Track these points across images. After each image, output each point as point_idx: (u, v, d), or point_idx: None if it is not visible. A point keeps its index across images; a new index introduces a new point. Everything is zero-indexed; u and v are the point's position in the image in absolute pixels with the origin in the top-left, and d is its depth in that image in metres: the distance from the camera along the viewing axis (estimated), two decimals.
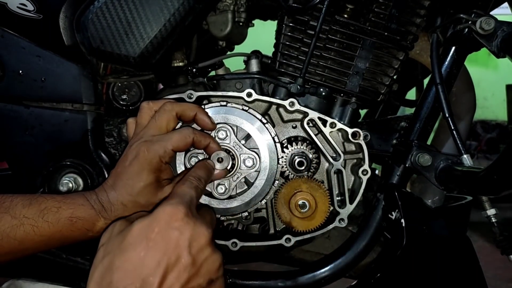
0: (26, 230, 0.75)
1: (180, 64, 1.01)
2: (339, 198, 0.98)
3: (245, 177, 0.94)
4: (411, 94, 1.44)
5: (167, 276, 0.63)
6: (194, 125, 0.90)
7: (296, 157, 0.96)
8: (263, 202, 0.95)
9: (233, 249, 0.94)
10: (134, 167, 0.79)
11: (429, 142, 1.03)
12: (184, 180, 0.78)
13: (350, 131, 0.96)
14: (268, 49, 1.04)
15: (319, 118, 0.96)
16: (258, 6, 1.13)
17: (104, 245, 0.68)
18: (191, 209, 0.69)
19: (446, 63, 0.97)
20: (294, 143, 0.97)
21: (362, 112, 1.13)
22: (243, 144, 0.93)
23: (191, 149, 0.91)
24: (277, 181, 0.94)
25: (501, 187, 0.77)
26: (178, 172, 0.91)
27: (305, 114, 0.96)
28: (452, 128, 0.91)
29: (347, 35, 0.96)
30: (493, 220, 1.01)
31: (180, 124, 0.89)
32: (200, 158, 0.91)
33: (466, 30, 0.90)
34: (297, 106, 0.95)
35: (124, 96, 1.04)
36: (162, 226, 0.66)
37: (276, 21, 1.01)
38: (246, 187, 0.95)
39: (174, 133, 0.82)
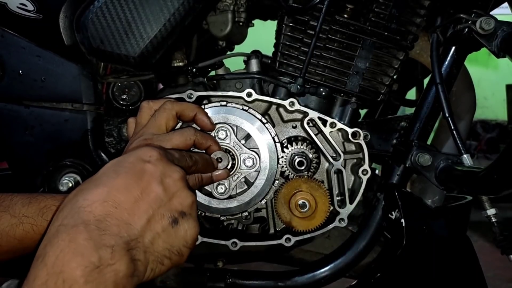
0: (25, 228, 0.75)
1: (180, 64, 1.01)
2: (339, 198, 0.98)
3: (245, 177, 0.94)
4: (411, 94, 1.44)
5: (138, 201, 0.64)
6: (194, 125, 0.90)
7: (296, 157, 0.96)
8: (263, 202, 0.95)
9: (233, 249, 0.94)
10: None
11: (429, 142, 1.03)
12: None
13: (350, 131, 0.96)
14: (268, 49, 1.04)
15: (319, 118, 0.96)
16: (258, 6, 1.13)
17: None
18: (166, 154, 0.71)
19: (446, 63, 0.97)
20: (294, 143, 0.97)
21: (362, 112, 1.13)
22: (243, 144, 0.93)
23: (192, 148, 0.91)
24: (277, 181, 0.94)
25: (501, 187, 0.77)
26: None
27: (305, 114, 0.96)
28: (452, 128, 0.91)
29: (347, 35, 0.95)
30: (493, 220, 1.01)
31: (180, 123, 0.89)
32: None
33: (466, 30, 0.90)
34: (297, 106, 0.95)
35: (124, 96, 1.04)
36: (136, 157, 0.67)
37: (276, 21, 1.01)
38: (246, 187, 0.95)
39: (174, 133, 0.82)
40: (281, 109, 0.99)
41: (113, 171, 0.66)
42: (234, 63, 1.10)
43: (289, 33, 0.96)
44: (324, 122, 0.96)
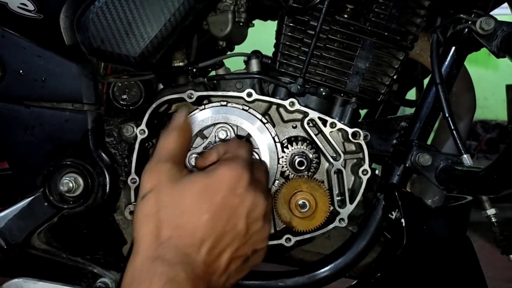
0: None
1: (180, 64, 1.01)
2: (339, 198, 0.98)
3: None
4: (411, 94, 1.44)
5: (219, 242, 0.64)
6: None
7: (296, 157, 0.96)
8: None
9: None
10: None
11: (429, 142, 1.03)
12: (234, 142, 0.76)
13: (350, 131, 0.96)
14: (268, 49, 1.04)
15: (319, 118, 0.96)
16: (258, 6, 1.13)
17: (155, 192, 0.67)
18: (253, 175, 0.69)
19: (446, 63, 0.97)
20: (294, 143, 0.97)
21: (362, 112, 1.13)
22: None
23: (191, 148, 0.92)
24: (277, 181, 0.95)
25: (501, 186, 0.78)
26: None
27: (305, 114, 0.96)
28: (452, 128, 0.91)
29: (347, 35, 0.96)
30: (493, 220, 1.01)
31: None
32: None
33: (466, 30, 0.90)
34: (297, 106, 0.95)
35: (125, 96, 1.04)
36: (226, 191, 0.65)
37: (276, 21, 1.01)
38: None
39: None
40: (281, 109, 0.99)
41: (205, 210, 0.65)
42: (234, 63, 1.10)
43: (289, 33, 0.96)
44: (324, 122, 0.96)
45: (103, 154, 1.00)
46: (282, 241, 0.94)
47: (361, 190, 0.96)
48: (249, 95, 0.94)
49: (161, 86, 1.11)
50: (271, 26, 1.11)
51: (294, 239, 0.94)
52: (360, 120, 1.07)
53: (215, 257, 0.64)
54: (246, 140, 0.89)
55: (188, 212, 0.64)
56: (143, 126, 0.94)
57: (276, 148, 0.94)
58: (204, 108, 0.94)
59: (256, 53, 1.05)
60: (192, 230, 0.63)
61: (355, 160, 1.00)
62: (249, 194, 0.67)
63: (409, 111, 1.11)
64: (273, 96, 0.99)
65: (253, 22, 1.17)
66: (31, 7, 0.94)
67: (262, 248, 0.71)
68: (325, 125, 0.96)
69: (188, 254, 0.62)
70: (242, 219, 0.66)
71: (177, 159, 0.72)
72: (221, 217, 0.65)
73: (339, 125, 0.96)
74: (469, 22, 0.88)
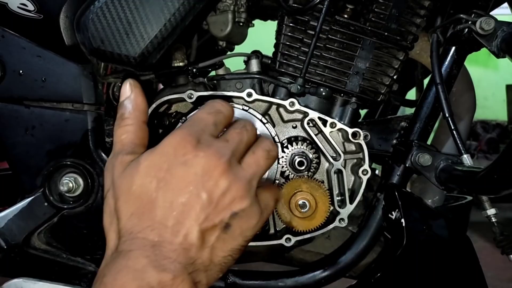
0: None
1: (180, 64, 1.01)
2: (339, 198, 0.98)
3: None
4: (411, 94, 1.44)
5: (183, 217, 0.60)
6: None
7: (296, 157, 0.96)
8: None
9: None
10: None
11: (429, 142, 1.03)
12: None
13: (350, 131, 0.96)
14: (268, 49, 1.04)
15: (319, 118, 0.96)
16: (258, 6, 1.13)
17: (111, 189, 0.65)
18: (201, 137, 0.64)
19: (446, 63, 0.97)
20: (294, 143, 0.97)
21: (362, 112, 1.13)
22: None
23: None
24: (277, 181, 0.95)
25: (501, 187, 0.78)
26: None
27: (305, 114, 0.96)
28: (452, 128, 0.91)
29: (347, 35, 0.96)
30: (493, 220, 1.01)
31: None
32: None
33: (466, 30, 0.90)
34: (297, 106, 0.95)
35: None
36: (169, 162, 0.62)
37: (276, 21, 1.01)
38: None
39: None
40: (281, 109, 0.99)
41: (154, 188, 0.61)
42: (234, 63, 1.10)
43: (289, 33, 0.96)
44: (324, 122, 0.96)
45: (103, 154, 1.00)
46: (282, 241, 0.94)
47: (361, 190, 0.96)
48: (249, 95, 0.94)
49: (161, 86, 1.11)
50: (271, 26, 1.11)
51: (294, 239, 0.94)
52: (360, 120, 1.07)
53: (182, 233, 0.60)
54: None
55: (139, 195, 0.61)
56: None
57: None
58: None
59: (256, 53, 1.04)
60: (147, 213, 0.60)
61: (355, 160, 1.00)
62: (197, 158, 0.61)
63: (409, 111, 1.11)
64: (273, 96, 0.99)
65: (253, 22, 1.17)
66: (31, 7, 0.94)
67: (243, 209, 0.63)
68: (325, 125, 0.96)
69: (145, 238, 0.59)
70: (198, 186, 0.61)
71: (131, 148, 0.68)
72: (173, 191, 0.60)
73: (339, 125, 0.96)
74: (469, 22, 0.88)
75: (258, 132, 0.73)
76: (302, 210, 0.92)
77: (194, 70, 1.03)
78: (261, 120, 0.94)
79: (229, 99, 0.95)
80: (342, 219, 0.96)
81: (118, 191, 0.63)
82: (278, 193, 0.73)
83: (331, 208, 0.95)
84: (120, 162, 0.66)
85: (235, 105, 0.94)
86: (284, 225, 0.97)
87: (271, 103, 0.98)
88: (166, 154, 0.63)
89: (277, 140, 0.94)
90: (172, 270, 0.58)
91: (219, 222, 0.62)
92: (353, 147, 0.99)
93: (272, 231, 0.99)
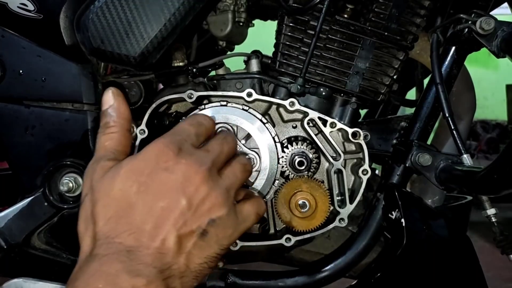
0: None
1: (180, 64, 1.01)
2: (339, 198, 0.98)
3: None
4: (411, 94, 1.44)
5: (162, 222, 0.61)
6: None
7: (296, 157, 0.96)
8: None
9: (233, 249, 0.94)
10: None
11: (429, 142, 1.03)
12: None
13: (350, 131, 0.96)
14: (268, 49, 1.04)
15: (319, 118, 0.96)
16: (258, 6, 1.13)
17: (89, 194, 0.65)
18: (183, 146, 0.65)
19: (446, 63, 0.97)
20: (294, 143, 0.97)
21: (362, 112, 1.13)
22: (243, 144, 0.93)
23: None
24: (277, 181, 0.95)
25: (501, 186, 0.78)
26: None
27: (305, 114, 0.96)
28: (452, 128, 0.91)
29: (347, 35, 0.96)
30: (493, 220, 1.01)
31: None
32: None
33: (466, 30, 0.90)
34: (297, 106, 0.95)
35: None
36: (151, 167, 0.63)
37: (276, 21, 1.01)
38: (246, 186, 0.95)
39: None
40: (281, 109, 0.99)
41: (134, 191, 0.62)
42: (234, 63, 1.10)
43: (289, 33, 0.96)
44: (324, 122, 0.96)
45: None
46: (282, 241, 0.94)
47: (361, 190, 0.96)
48: (249, 95, 0.94)
49: (161, 86, 1.11)
50: (271, 26, 1.11)
51: (294, 239, 0.94)
52: (360, 120, 1.07)
53: (160, 238, 0.60)
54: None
55: (119, 199, 0.61)
56: (143, 126, 0.94)
57: (276, 148, 0.94)
58: (204, 108, 0.94)
59: (256, 53, 1.04)
60: (125, 218, 0.60)
61: (355, 160, 1.00)
62: (179, 165, 0.63)
63: (409, 111, 1.11)
64: (273, 96, 0.99)
65: (253, 22, 1.17)
66: (31, 7, 0.94)
67: (220, 217, 0.64)
68: (325, 125, 0.96)
69: (121, 243, 0.59)
70: (178, 193, 0.61)
71: (113, 155, 0.69)
72: (153, 195, 0.61)
73: (339, 125, 0.96)
74: (469, 22, 0.88)
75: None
76: (302, 210, 0.92)
77: (194, 70, 1.03)
78: (261, 120, 0.94)
79: (229, 99, 0.95)
80: (342, 219, 0.96)
81: (97, 195, 0.64)
82: (261, 208, 0.74)
83: (331, 208, 0.95)
84: (101, 167, 0.67)
85: (235, 105, 0.94)
86: (284, 225, 0.97)
87: (271, 103, 0.98)
88: (148, 160, 0.64)
89: (277, 140, 0.94)
90: (146, 275, 0.57)
91: (197, 228, 0.63)
92: (353, 147, 0.99)
93: (272, 231, 0.99)
